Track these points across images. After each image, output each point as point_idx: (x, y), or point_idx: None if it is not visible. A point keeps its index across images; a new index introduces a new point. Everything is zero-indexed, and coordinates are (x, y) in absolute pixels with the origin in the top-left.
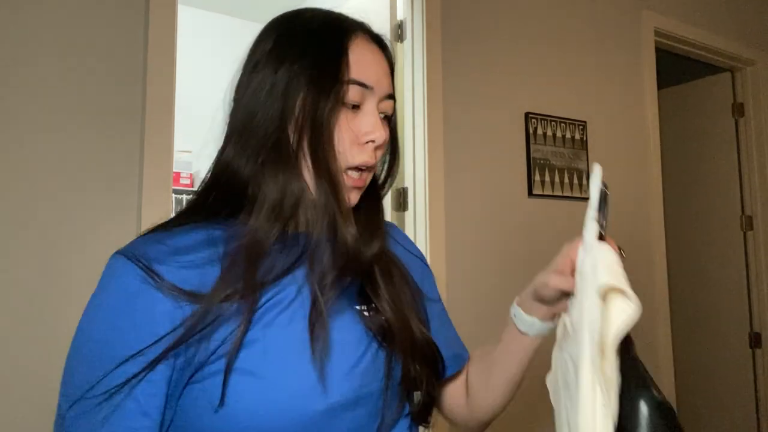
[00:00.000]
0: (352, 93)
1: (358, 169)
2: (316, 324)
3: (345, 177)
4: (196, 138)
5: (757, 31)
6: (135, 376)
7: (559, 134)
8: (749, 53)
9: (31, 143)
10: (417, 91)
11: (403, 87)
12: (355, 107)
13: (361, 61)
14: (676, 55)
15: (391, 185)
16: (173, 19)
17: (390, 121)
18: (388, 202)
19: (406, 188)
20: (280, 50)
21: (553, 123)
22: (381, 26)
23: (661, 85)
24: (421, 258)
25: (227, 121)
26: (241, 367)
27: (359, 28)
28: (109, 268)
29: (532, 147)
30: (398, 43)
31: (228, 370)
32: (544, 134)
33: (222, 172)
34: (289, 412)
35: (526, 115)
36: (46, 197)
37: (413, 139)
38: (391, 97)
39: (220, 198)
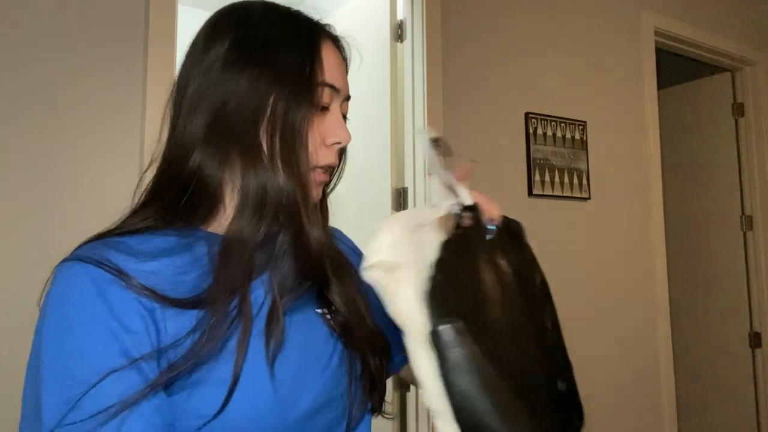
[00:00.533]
0: (324, 95)
1: (322, 167)
2: (274, 331)
3: (312, 175)
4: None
5: (757, 31)
6: (142, 391)
7: (559, 134)
8: (749, 53)
9: (30, 143)
10: (417, 91)
11: (403, 87)
12: (324, 109)
13: (330, 63)
14: (676, 55)
15: (335, 185)
16: (173, 19)
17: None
18: (388, 202)
19: (406, 188)
20: (241, 51)
21: (553, 123)
22: (381, 26)
23: (661, 85)
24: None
25: (173, 122)
26: (215, 376)
27: (324, 30)
28: (65, 277)
29: (532, 147)
30: (398, 43)
31: (232, 388)
32: (544, 134)
33: (186, 176)
34: (266, 419)
35: (526, 115)
36: (45, 197)
37: (413, 138)
38: (349, 98)
39: (189, 203)
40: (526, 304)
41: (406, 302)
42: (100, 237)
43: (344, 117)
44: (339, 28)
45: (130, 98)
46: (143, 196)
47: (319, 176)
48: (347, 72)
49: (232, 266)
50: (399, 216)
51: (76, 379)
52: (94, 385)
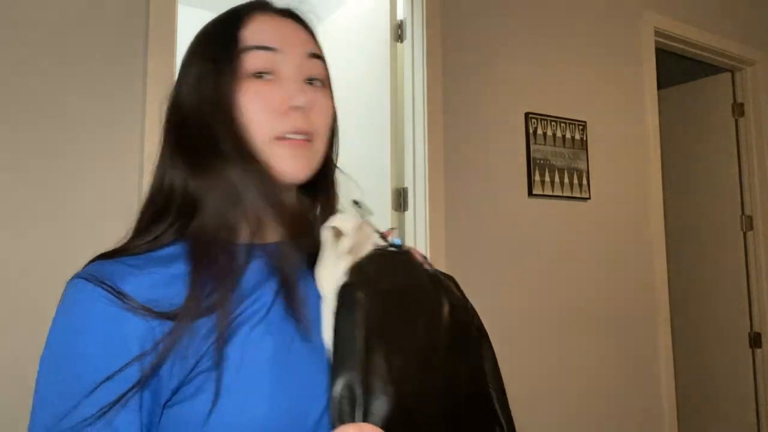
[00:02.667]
0: (254, 59)
1: (287, 135)
2: (295, 308)
3: (276, 146)
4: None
5: (757, 31)
6: (111, 404)
7: (559, 134)
8: (749, 53)
9: (30, 143)
10: (417, 91)
11: (403, 87)
12: (266, 75)
13: (258, 30)
14: (676, 55)
15: (336, 157)
16: (173, 19)
17: (324, 85)
18: (388, 202)
19: (406, 188)
20: (183, 64)
21: (553, 123)
22: (381, 26)
23: (661, 85)
24: None
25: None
26: (221, 384)
27: (256, 9)
28: (69, 293)
29: (532, 147)
30: (398, 43)
31: (218, 390)
32: (544, 134)
33: (158, 190)
34: (271, 427)
35: (526, 115)
36: (45, 198)
37: (413, 139)
38: (316, 56)
39: (177, 214)
40: (452, 331)
41: (333, 266)
42: (107, 255)
43: (319, 80)
44: (339, 28)
45: (130, 98)
46: (148, 211)
47: (289, 143)
48: (314, 37)
49: (204, 278)
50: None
51: (64, 395)
52: (75, 407)
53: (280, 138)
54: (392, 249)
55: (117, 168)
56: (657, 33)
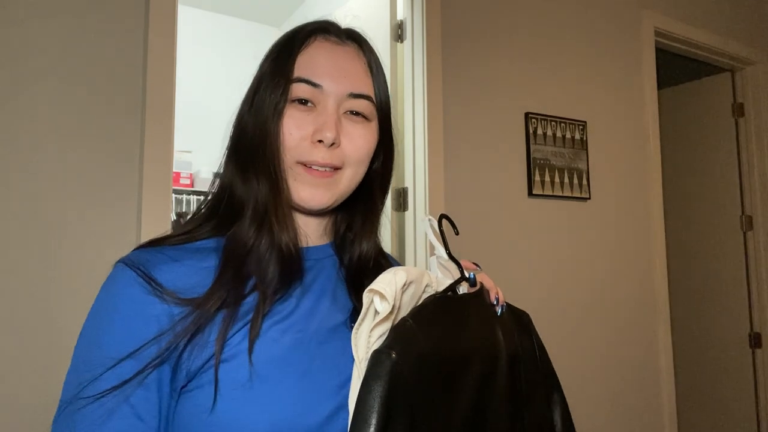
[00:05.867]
0: (299, 90)
1: (311, 165)
2: (250, 333)
3: (299, 170)
4: (196, 138)
5: (757, 31)
6: (128, 380)
7: (559, 134)
8: (749, 53)
9: (30, 143)
10: (417, 91)
11: (404, 87)
12: (310, 104)
13: (310, 61)
14: (676, 55)
15: (387, 186)
16: (173, 19)
17: (368, 119)
18: (388, 202)
19: (406, 188)
20: (257, 70)
21: (553, 123)
22: (381, 26)
23: (661, 85)
24: None
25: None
26: (231, 377)
27: (318, 31)
28: (110, 276)
29: (532, 147)
30: (398, 43)
31: (216, 379)
32: (544, 134)
33: (220, 188)
34: (279, 425)
35: (526, 115)
36: (45, 197)
37: (413, 139)
38: (361, 96)
39: (221, 214)
40: (511, 388)
41: (368, 329)
42: (151, 243)
43: (357, 114)
44: None
45: (130, 98)
46: (205, 204)
47: (309, 173)
48: (372, 68)
49: (227, 273)
50: (412, 268)
51: (90, 365)
52: (97, 378)
53: (302, 164)
54: (451, 294)
55: (117, 171)
56: (657, 33)
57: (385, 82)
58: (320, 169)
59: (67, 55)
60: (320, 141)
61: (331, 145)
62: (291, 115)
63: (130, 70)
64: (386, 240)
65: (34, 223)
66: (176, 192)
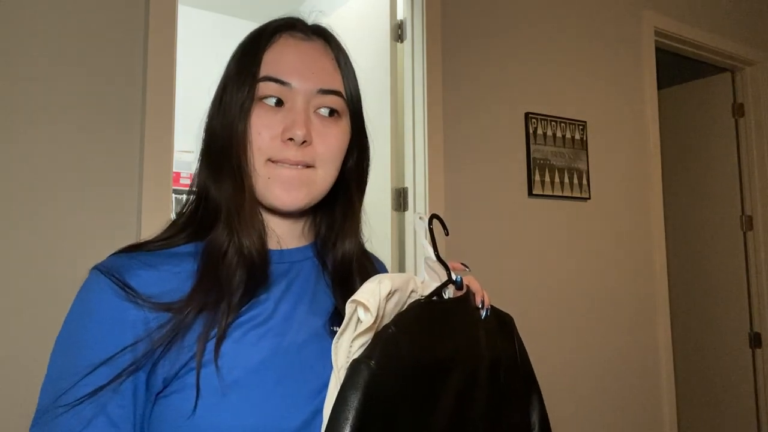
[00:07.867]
0: (266, 88)
1: (283, 163)
2: (217, 344)
3: (270, 168)
4: (196, 138)
5: (757, 31)
6: (102, 386)
7: (559, 134)
8: (749, 53)
9: (30, 143)
10: (417, 91)
11: (404, 87)
12: (279, 103)
13: (277, 58)
14: (676, 55)
15: (363, 183)
16: (173, 18)
17: (339, 115)
18: (388, 202)
19: (406, 188)
20: (224, 70)
21: (553, 123)
22: (381, 26)
23: (661, 85)
24: None
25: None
26: (207, 383)
27: (283, 28)
28: (84, 283)
29: (532, 147)
30: (398, 43)
31: (198, 384)
32: (544, 134)
33: (197, 192)
34: (256, 430)
35: (526, 115)
36: (45, 198)
37: (413, 139)
38: (331, 92)
39: (199, 218)
40: (486, 392)
41: (349, 340)
42: (128, 249)
43: (329, 113)
44: (338, 28)
45: (130, 98)
46: (184, 207)
47: (280, 170)
48: (341, 64)
49: (205, 279)
50: (397, 276)
51: (65, 374)
52: (72, 386)
53: (273, 161)
54: (436, 299)
55: (117, 171)
56: (657, 33)
57: (355, 77)
58: (295, 167)
59: (66, 55)
60: (291, 139)
61: (303, 143)
62: (259, 115)
63: (130, 70)
64: (386, 240)
65: (33, 223)
66: (176, 192)
